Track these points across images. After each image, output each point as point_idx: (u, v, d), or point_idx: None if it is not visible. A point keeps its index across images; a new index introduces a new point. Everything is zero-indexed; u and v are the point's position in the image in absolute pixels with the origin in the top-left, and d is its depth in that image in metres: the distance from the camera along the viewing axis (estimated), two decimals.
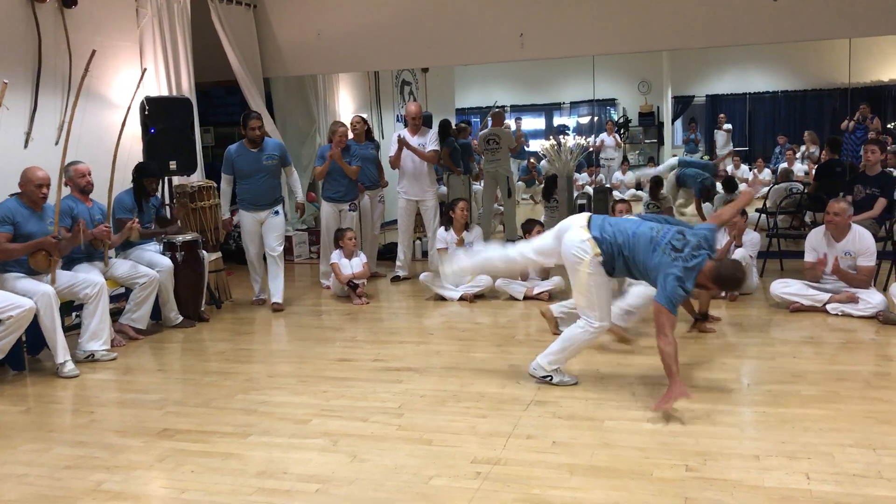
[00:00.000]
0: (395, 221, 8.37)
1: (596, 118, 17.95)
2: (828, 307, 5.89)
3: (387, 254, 8.86)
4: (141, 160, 6.64)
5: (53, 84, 6.50)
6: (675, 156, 15.98)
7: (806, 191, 8.92)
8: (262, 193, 6.84)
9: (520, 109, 19.10)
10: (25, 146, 6.24)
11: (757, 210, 9.85)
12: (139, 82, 6.50)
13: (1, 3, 6.09)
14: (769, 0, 7.63)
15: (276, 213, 6.90)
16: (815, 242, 6.06)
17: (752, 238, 6.67)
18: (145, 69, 6.64)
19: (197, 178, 7.52)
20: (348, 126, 7.81)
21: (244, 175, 6.84)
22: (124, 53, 7.29)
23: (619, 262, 4.22)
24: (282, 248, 6.98)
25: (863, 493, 3.03)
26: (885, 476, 3.17)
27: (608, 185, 12.76)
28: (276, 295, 6.89)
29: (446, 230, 7.16)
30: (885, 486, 3.09)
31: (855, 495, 3.01)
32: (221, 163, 6.96)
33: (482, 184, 10.78)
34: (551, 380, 4.46)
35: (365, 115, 8.94)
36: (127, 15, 7.43)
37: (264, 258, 7.04)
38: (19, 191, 5.26)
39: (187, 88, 7.90)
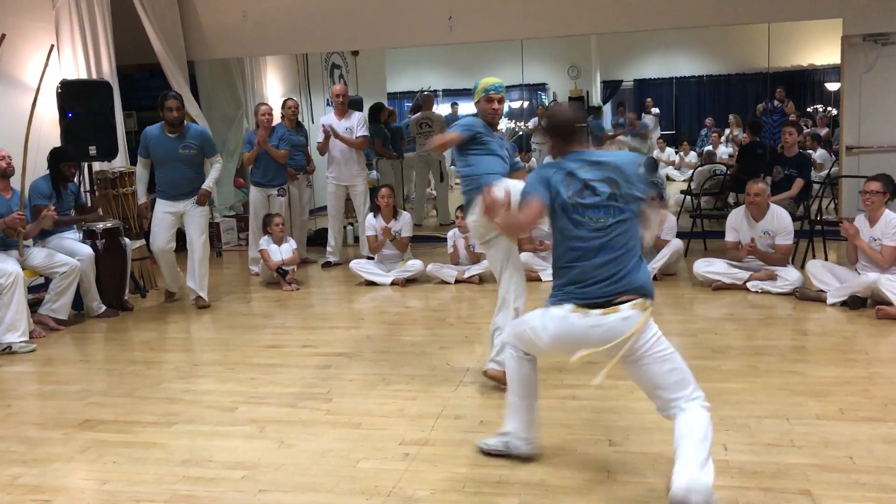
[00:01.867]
0: (325, 207, 8.29)
1: (527, 103, 18.10)
2: (748, 285, 6.07)
3: (317, 239, 8.78)
4: (58, 145, 6.42)
5: None
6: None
7: (729, 172, 9.16)
8: (178, 184, 6.22)
9: (452, 94, 19.11)
10: None
11: (682, 192, 10.08)
12: (46, 61, 6.12)
13: None
14: None
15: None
16: (735, 222, 6.24)
17: (669, 221, 6.79)
18: (53, 45, 6.25)
19: (119, 163, 7.32)
20: (271, 107, 7.67)
21: (159, 162, 6.23)
22: (39, 35, 7.03)
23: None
24: (203, 237, 6.35)
25: (776, 460, 3.14)
26: (797, 444, 3.29)
27: None
28: (199, 289, 6.39)
29: (374, 217, 7.09)
30: (796, 453, 3.21)
31: (769, 463, 3.12)
32: None
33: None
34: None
35: (294, 99, 8.82)
36: None
37: (182, 250, 6.57)
38: None
39: (108, 72, 7.68)
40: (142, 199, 6.44)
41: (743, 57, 16.71)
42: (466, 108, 18.94)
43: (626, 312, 2.83)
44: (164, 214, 6.27)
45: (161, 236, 6.28)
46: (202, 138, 6.33)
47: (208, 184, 6.34)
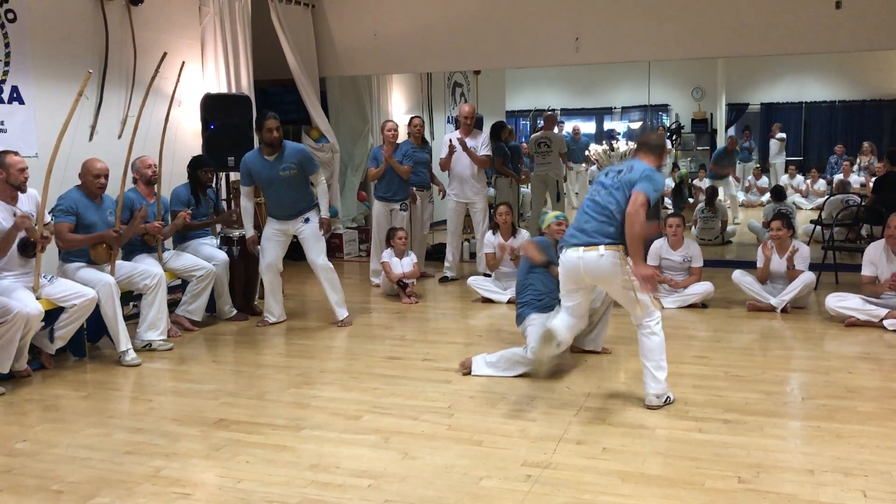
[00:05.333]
0: (443, 222, 8.41)
1: (648, 123, 17.79)
2: (885, 323, 5.77)
3: (434, 254, 8.91)
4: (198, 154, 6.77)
5: (118, 79, 6.69)
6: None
7: (863, 203, 8.75)
8: (284, 205, 6.09)
9: (570, 113, 19.03)
10: (90, 139, 6.43)
11: (812, 222, 9.71)
12: (178, 76, 6.36)
13: (72, 1, 6.29)
14: (830, 8, 7.53)
15: (307, 220, 6.14)
16: (874, 256, 5.95)
17: (802, 252, 6.54)
18: (183, 62, 6.56)
19: None
20: (397, 124, 7.85)
21: (265, 185, 6.12)
22: (186, 50, 7.45)
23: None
24: (321, 258, 6.19)
25: None
26: None
27: None
28: (338, 310, 6.31)
29: (493, 234, 7.14)
30: None
31: None
32: None
33: (530, 187, 10.79)
34: (669, 399, 4.24)
35: (420, 116, 9.00)
36: (190, 13, 7.61)
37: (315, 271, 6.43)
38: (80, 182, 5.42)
39: (246, 86, 8.06)
40: (249, 232, 6.26)
41: (880, 82, 15.94)
42: (584, 127, 18.84)
43: None
44: (274, 231, 6.18)
45: (270, 253, 6.18)
46: (300, 156, 6.07)
47: (325, 211, 6.18)
